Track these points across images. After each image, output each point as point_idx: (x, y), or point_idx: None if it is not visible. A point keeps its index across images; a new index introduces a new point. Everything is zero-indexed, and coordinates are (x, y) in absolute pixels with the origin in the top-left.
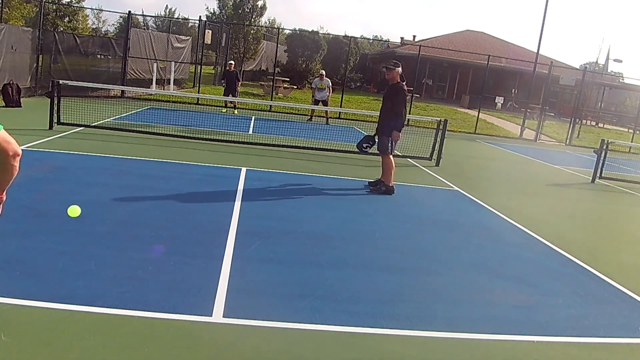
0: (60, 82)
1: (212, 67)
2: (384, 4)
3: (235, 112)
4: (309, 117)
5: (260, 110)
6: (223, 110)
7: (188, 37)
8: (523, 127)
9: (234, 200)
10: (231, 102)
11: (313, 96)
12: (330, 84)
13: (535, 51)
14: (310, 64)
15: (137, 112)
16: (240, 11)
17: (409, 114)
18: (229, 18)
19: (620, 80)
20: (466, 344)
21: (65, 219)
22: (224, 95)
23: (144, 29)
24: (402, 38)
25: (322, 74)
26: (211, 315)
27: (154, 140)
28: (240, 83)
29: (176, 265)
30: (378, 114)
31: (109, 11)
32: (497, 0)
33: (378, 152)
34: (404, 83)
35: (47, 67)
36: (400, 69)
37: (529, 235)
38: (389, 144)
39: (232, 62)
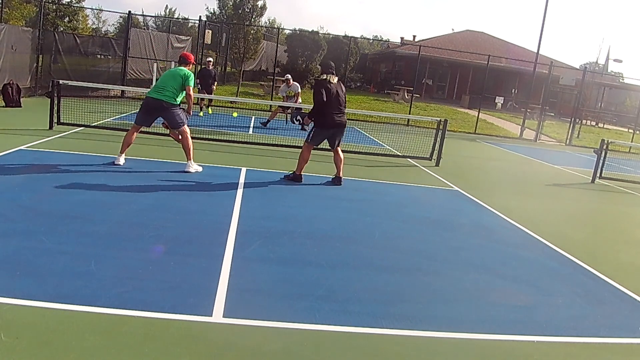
0: (60, 82)
1: (212, 67)
2: (383, 4)
3: (210, 110)
4: (300, 124)
5: (260, 110)
6: (208, 111)
7: (188, 37)
8: (523, 127)
9: (234, 201)
10: (203, 100)
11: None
12: (299, 89)
13: (535, 51)
14: (310, 64)
15: (137, 112)
16: (240, 11)
17: (409, 114)
18: (229, 18)
19: (620, 80)
20: (466, 344)
21: (65, 219)
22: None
23: (144, 29)
24: (402, 38)
25: (288, 79)
26: (211, 315)
27: (154, 140)
28: (216, 83)
29: (176, 265)
30: (339, 110)
31: (109, 11)
32: (497, 0)
33: (333, 147)
34: (323, 77)
35: (47, 67)
36: (321, 67)
37: (529, 235)
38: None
39: (211, 59)
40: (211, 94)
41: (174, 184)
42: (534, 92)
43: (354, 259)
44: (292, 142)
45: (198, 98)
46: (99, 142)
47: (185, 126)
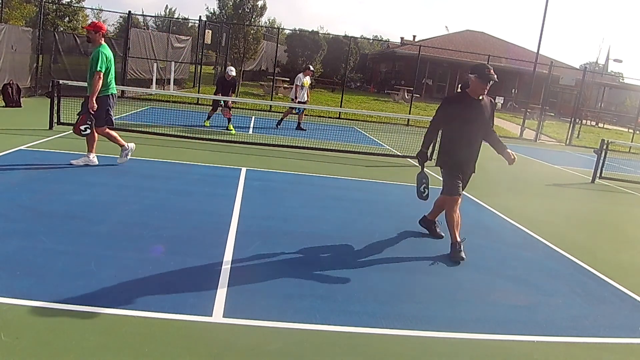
0: (60, 82)
1: (212, 67)
2: (383, 4)
3: (233, 131)
4: (279, 120)
5: (260, 110)
6: (232, 132)
7: (188, 37)
8: (523, 127)
9: (234, 200)
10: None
11: (295, 97)
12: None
13: (535, 51)
14: (310, 64)
15: (137, 112)
16: (240, 11)
17: (409, 114)
18: (229, 18)
19: (620, 80)
20: (466, 344)
21: (65, 219)
22: (214, 107)
23: (144, 29)
24: (402, 38)
25: (308, 68)
26: (211, 315)
27: (154, 140)
28: (234, 95)
29: (176, 265)
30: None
31: (109, 11)
32: (497, 0)
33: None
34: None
35: (47, 67)
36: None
37: (529, 235)
38: None
39: (233, 71)
40: (229, 102)
41: (174, 184)
42: (534, 92)
43: (354, 259)
44: (292, 142)
45: (214, 101)
46: (99, 142)
47: None
